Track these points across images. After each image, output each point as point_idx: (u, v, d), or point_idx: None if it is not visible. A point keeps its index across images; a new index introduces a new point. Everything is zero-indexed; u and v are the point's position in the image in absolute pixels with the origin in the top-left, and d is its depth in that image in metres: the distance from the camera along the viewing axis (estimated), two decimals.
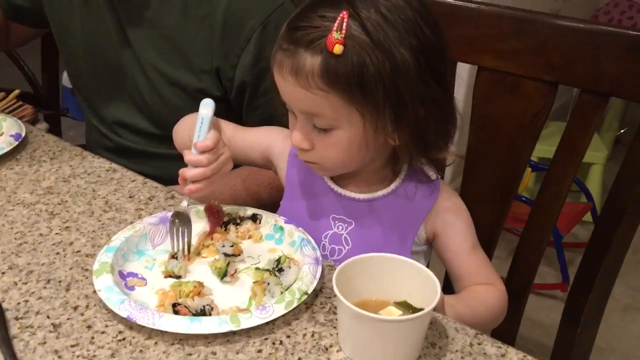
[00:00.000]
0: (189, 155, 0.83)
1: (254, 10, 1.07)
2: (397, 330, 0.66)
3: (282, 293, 0.75)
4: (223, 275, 0.80)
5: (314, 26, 0.76)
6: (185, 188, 0.83)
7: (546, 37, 1.02)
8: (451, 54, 0.91)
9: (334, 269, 0.81)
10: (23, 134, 1.12)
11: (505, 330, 1.04)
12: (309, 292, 0.75)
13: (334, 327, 0.73)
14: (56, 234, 0.88)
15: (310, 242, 0.83)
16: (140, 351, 0.69)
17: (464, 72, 1.13)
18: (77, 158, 1.09)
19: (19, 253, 0.84)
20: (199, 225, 0.89)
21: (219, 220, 0.88)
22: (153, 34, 1.14)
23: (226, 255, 0.82)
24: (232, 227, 0.88)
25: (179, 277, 0.80)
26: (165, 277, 0.80)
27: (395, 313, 0.71)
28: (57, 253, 0.84)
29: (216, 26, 1.09)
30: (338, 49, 0.74)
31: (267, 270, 0.79)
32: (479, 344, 0.71)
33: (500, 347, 0.71)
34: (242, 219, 0.89)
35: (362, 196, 0.90)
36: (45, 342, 0.70)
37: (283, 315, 0.73)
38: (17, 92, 1.47)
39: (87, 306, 0.75)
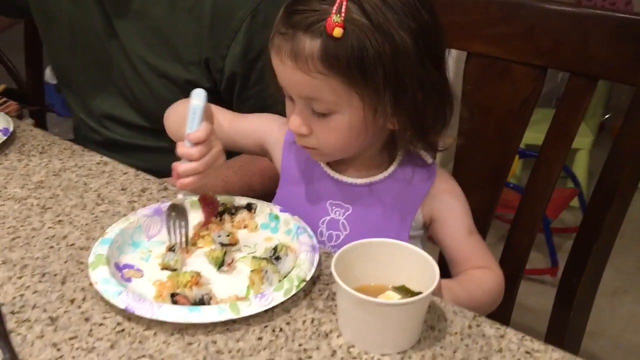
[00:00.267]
0: (182, 148, 0.82)
1: (242, 0, 1.07)
2: (397, 313, 0.66)
3: (280, 281, 0.75)
4: (220, 264, 0.79)
5: (313, 9, 0.75)
6: (177, 182, 0.83)
7: (534, 22, 1.02)
8: None
9: (330, 256, 0.81)
10: (11, 129, 1.11)
11: (498, 315, 1.03)
12: (307, 279, 0.75)
13: (333, 313, 0.73)
14: (49, 227, 0.88)
15: (306, 230, 0.83)
16: (140, 342, 0.68)
17: (453, 58, 1.13)
18: (66, 152, 1.08)
19: (12, 248, 0.83)
20: (194, 216, 0.88)
21: (214, 211, 0.87)
22: (140, 26, 1.13)
23: (222, 244, 0.82)
24: (227, 217, 0.88)
25: (175, 269, 0.80)
26: (162, 269, 0.80)
27: (393, 298, 0.71)
28: (51, 247, 0.84)
29: (204, 17, 1.08)
30: (338, 32, 0.73)
31: (264, 258, 0.79)
32: (478, 326, 0.72)
33: (499, 328, 0.71)
34: (237, 208, 0.89)
35: (359, 181, 0.90)
36: (43, 336, 0.69)
37: (282, 303, 0.73)
38: (1, 87, 1.45)
39: (83, 299, 0.75)
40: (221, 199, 0.90)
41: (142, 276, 0.79)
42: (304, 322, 0.72)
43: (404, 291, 0.72)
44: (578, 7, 1.00)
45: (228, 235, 0.83)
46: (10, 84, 1.75)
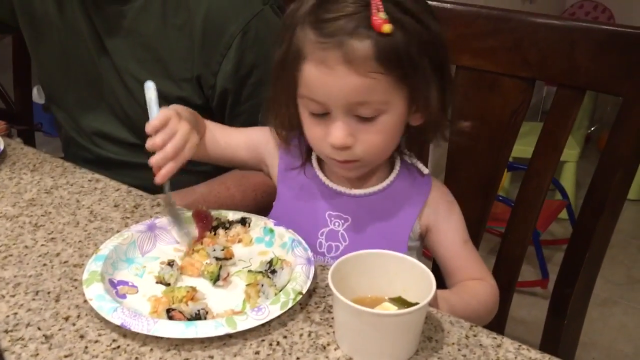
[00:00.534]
0: (147, 143, 0.82)
1: (234, 17, 1.07)
2: (394, 324, 0.66)
3: (276, 294, 0.75)
4: (215, 279, 0.79)
5: (347, 14, 0.76)
6: (156, 176, 0.82)
7: (522, 35, 1.04)
8: None
9: (326, 269, 0.81)
10: (1, 147, 1.10)
11: (492, 327, 1.04)
12: (304, 292, 0.75)
13: (330, 326, 0.73)
14: (42, 245, 0.87)
15: (301, 243, 0.83)
16: (136, 358, 0.68)
17: None
18: (58, 169, 1.08)
19: (4, 266, 0.83)
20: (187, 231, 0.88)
21: (208, 225, 0.87)
22: (131, 43, 1.13)
23: (217, 259, 0.82)
24: (221, 232, 0.87)
25: (168, 284, 0.80)
26: (157, 282, 0.80)
27: (390, 309, 0.71)
28: (44, 264, 0.83)
29: (196, 34, 1.08)
30: (388, 28, 0.74)
31: (260, 272, 0.79)
32: (475, 336, 0.72)
33: (495, 338, 0.72)
34: (231, 222, 0.89)
35: (357, 192, 0.90)
36: (37, 354, 0.68)
37: (278, 317, 0.72)
38: None
39: (78, 316, 0.74)
40: (215, 213, 0.89)
41: (136, 292, 0.78)
42: (301, 335, 0.71)
43: (401, 302, 0.72)
44: (565, 20, 1.02)
45: (223, 250, 0.83)
46: None
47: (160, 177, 0.82)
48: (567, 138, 1.04)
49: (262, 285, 0.76)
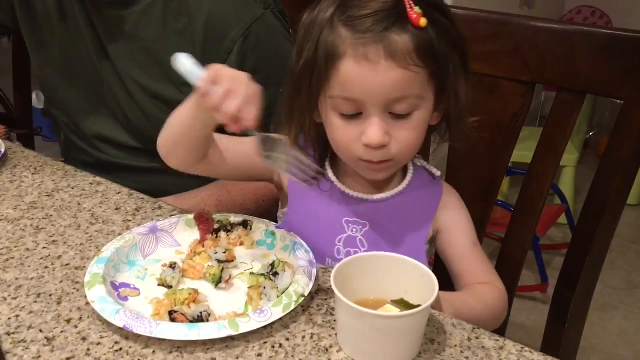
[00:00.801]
0: (207, 99, 0.72)
1: (235, 21, 1.08)
2: (397, 326, 0.66)
3: (278, 297, 0.75)
4: (218, 281, 0.79)
5: (383, 9, 0.77)
6: (234, 127, 0.74)
7: (522, 39, 1.04)
8: None
9: (328, 271, 0.81)
10: (2, 151, 1.10)
11: (493, 332, 1.04)
12: (306, 294, 0.75)
13: (333, 328, 0.73)
14: (43, 248, 0.87)
15: (302, 246, 0.84)
16: None
17: None
18: (59, 172, 1.08)
19: (6, 269, 0.83)
20: (190, 233, 0.88)
21: (210, 228, 0.87)
22: (132, 48, 1.13)
23: (219, 261, 0.82)
24: (223, 234, 0.87)
25: (170, 286, 0.80)
26: (159, 285, 0.80)
27: (392, 311, 0.71)
28: (46, 267, 0.83)
29: (197, 38, 1.09)
30: (424, 21, 0.76)
31: (262, 274, 0.79)
32: (477, 338, 0.72)
33: (497, 340, 0.72)
34: (233, 225, 0.89)
35: (374, 197, 0.90)
36: (39, 357, 0.68)
37: (281, 319, 0.72)
38: None
39: (80, 318, 0.74)
40: (217, 216, 0.90)
41: (138, 295, 0.78)
42: (303, 337, 0.71)
43: (403, 304, 0.72)
44: (565, 24, 1.03)
45: (225, 252, 0.83)
46: None
47: (240, 126, 0.74)
48: (567, 142, 1.04)
49: (265, 288, 0.76)
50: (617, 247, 2.63)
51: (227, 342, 0.70)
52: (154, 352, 0.69)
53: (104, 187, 1.03)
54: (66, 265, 0.84)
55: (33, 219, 0.94)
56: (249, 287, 0.78)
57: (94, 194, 1.01)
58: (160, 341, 0.70)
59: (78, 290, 0.78)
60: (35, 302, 0.77)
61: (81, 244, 0.88)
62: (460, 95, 0.83)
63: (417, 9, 0.76)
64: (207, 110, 0.74)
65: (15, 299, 0.77)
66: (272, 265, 0.80)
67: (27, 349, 0.69)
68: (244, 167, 0.92)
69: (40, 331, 0.72)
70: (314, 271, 0.79)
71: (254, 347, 0.70)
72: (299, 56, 0.83)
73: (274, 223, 0.90)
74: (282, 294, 0.75)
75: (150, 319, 0.71)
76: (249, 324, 0.70)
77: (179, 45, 1.10)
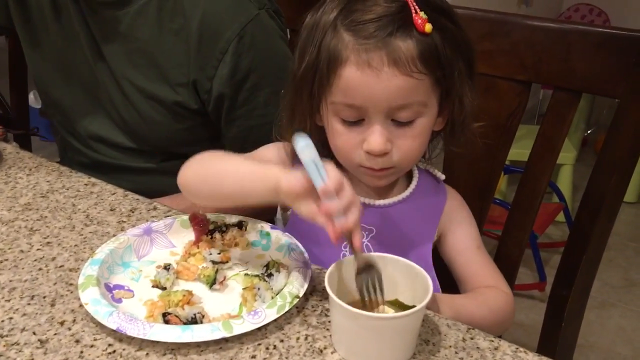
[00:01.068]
0: (329, 205, 0.67)
1: (229, 21, 1.07)
2: (391, 327, 0.66)
3: (272, 298, 0.75)
4: (212, 283, 0.79)
5: (387, 14, 0.75)
6: (355, 242, 0.70)
7: (518, 38, 1.04)
8: None
9: (323, 272, 0.81)
10: None
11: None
12: (300, 295, 0.74)
13: (327, 330, 0.72)
14: (37, 249, 0.87)
15: (298, 247, 0.83)
16: None
17: None
18: (54, 173, 1.07)
19: None
20: (184, 234, 0.88)
21: (204, 229, 0.87)
22: (127, 48, 1.13)
23: (214, 262, 0.81)
24: (217, 235, 0.87)
25: (164, 288, 0.79)
26: (153, 286, 0.79)
27: (387, 312, 0.71)
28: (40, 269, 0.83)
29: (191, 39, 1.08)
30: (429, 27, 0.74)
31: (257, 275, 0.79)
32: (472, 339, 0.72)
33: (492, 341, 0.71)
34: (228, 226, 0.88)
35: (380, 202, 0.89)
36: (33, 359, 0.68)
37: (275, 320, 0.72)
38: None
39: (74, 320, 0.74)
40: (212, 217, 0.89)
41: (132, 296, 0.78)
42: (297, 339, 0.71)
43: (398, 305, 0.72)
44: (560, 23, 1.02)
45: (219, 253, 0.82)
46: None
47: (360, 244, 0.71)
48: (564, 141, 1.04)
49: (259, 289, 0.76)
50: (615, 245, 2.63)
51: (221, 343, 0.70)
52: (147, 354, 0.69)
53: (98, 188, 1.03)
54: (60, 267, 0.83)
55: (27, 220, 0.94)
56: (243, 289, 0.77)
57: (89, 195, 1.01)
58: (153, 343, 0.69)
59: (72, 292, 0.78)
60: (29, 304, 0.76)
61: (75, 246, 0.88)
62: (465, 102, 0.81)
63: (422, 14, 0.75)
64: (310, 213, 0.69)
65: (8, 301, 0.77)
66: (267, 266, 0.80)
67: (20, 351, 0.69)
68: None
69: (34, 333, 0.71)
70: (309, 272, 0.79)
71: (248, 348, 0.69)
72: (300, 59, 0.81)
73: (269, 224, 0.90)
74: (277, 295, 0.75)
75: (143, 321, 0.70)
76: (242, 326, 0.70)
77: (174, 45, 1.10)
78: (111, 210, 0.97)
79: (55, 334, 0.71)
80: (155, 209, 0.97)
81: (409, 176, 0.92)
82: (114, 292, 0.78)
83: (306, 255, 0.82)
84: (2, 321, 0.73)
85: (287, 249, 0.84)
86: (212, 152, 0.84)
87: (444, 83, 0.79)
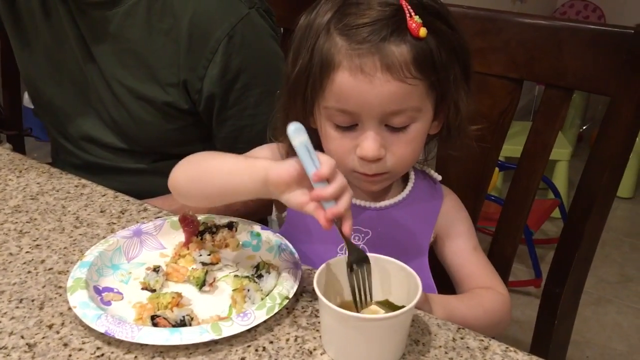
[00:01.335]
0: (322, 191, 0.67)
1: (219, 21, 1.07)
2: (380, 328, 0.66)
3: (262, 299, 0.74)
4: (201, 284, 0.78)
5: (381, 18, 0.73)
6: (345, 228, 0.69)
7: (509, 35, 1.04)
8: None
9: (313, 273, 0.81)
10: None
11: None
12: (290, 296, 0.74)
13: (317, 330, 0.72)
14: (26, 252, 0.86)
15: (288, 247, 0.83)
16: None
17: None
18: (44, 175, 1.07)
19: None
20: (174, 236, 0.88)
21: (194, 230, 0.86)
22: (117, 49, 1.12)
23: (204, 264, 0.81)
24: (207, 236, 0.87)
25: (153, 290, 0.79)
26: (142, 288, 0.79)
27: (377, 312, 0.71)
28: (29, 272, 0.82)
29: (181, 39, 1.08)
30: (424, 31, 0.73)
31: (247, 277, 0.78)
32: (462, 339, 0.71)
33: (482, 341, 0.71)
34: (218, 227, 0.88)
35: (377, 205, 0.88)
36: None
37: (265, 321, 0.72)
38: None
39: (62, 324, 0.73)
40: (202, 218, 0.89)
41: (122, 299, 0.78)
42: (287, 340, 0.71)
43: (388, 306, 0.72)
44: (551, 20, 1.02)
45: (209, 255, 0.82)
46: None
47: (350, 230, 0.70)
48: (556, 138, 1.04)
49: (248, 290, 0.76)
50: (611, 240, 2.63)
51: (210, 346, 0.69)
52: (135, 357, 0.68)
53: (89, 189, 1.02)
54: (49, 269, 0.83)
55: (17, 222, 0.93)
56: (233, 290, 0.77)
57: (79, 196, 1.00)
58: (142, 346, 0.69)
59: (61, 295, 0.78)
60: (17, 307, 0.76)
61: (65, 248, 0.87)
62: (461, 107, 0.80)
63: (416, 18, 0.73)
64: (299, 204, 0.68)
65: None
66: (257, 267, 0.80)
67: (7, 355, 0.68)
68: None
69: (22, 337, 0.71)
70: (299, 273, 0.78)
71: (237, 350, 0.69)
72: (294, 62, 0.80)
73: (259, 224, 0.89)
74: (267, 296, 0.74)
75: (132, 324, 0.70)
76: (231, 328, 0.69)
77: (164, 45, 1.09)
78: (101, 211, 0.96)
79: (43, 337, 0.71)
80: (145, 210, 0.97)
81: (405, 178, 0.91)
82: (103, 294, 0.78)
83: (296, 255, 0.81)
84: None
85: (278, 249, 0.83)
86: (203, 152, 0.84)
87: (439, 87, 0.78)
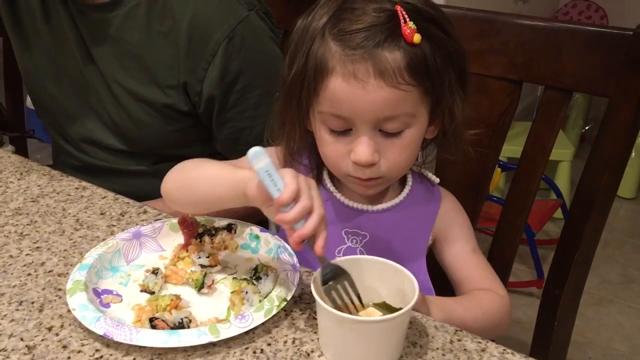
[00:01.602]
0: (284, 215, 0.67)
1: (219, 23, 1.07)
2: (377, 330, 0.66)
3: (260, 301, 0.75)
4: (200, 286, 0.79)
5: (376, 24, 0.73)
6: (316, 248, 0.68)
7: (508, 37, 1.04)
8: None
9: (312, 274, 0.81)
10: None
11: None
12: (288, 298, 0.74)
13: (315, 333, 0.72)
14: (27, 254, 0.87)
15: (287, 249, 0.83)
16: None
17: None
18: (45, 177, 1.07)
19: None
20: (174, 238, 0.88)
21: (193, 232, 0.87)
22: (117, 51, 1.13)
23: (202, 266, 0.81)
24: (206, 239, 0.87)
25: (152, 292, 0.79)
26: (141, 290, 0.79)
27: (375, 314, 0.71)
28: (29, 274, 0.83)
29: (181, 41, 1.08)
30: (418, 37, 0.73)
31: (245, 279, 0.79)
32: (459, 341, 0.71)
33: (480, 343, 0.71)
34: (217, 229, 0.88)
35: (374, 208, 0.88)
36: None
37: (263, 324, 0.72)
38: None
39: (61, 326, 0.74)
40: (201, 220, 0.89)
41: (121, 301, 0.78)
42: (285, 342, 0.71)
43: (385, 307, 0.72)
44: (550, 22, 1.02)
45: (208, 257, 0.82)
46: None
47: (321, 249, 0.69)
48: (556, 139, 1.04)
49: (247, 293, 0.76)
50: (613, 241, 2.62)
51: (208, 348, 0.70)
52: (134, 359, 0.69)
53: (89, 192, 1.03)
54: (49, 272, 0.83)
55: (17, 225, 0.94)
56: (231, 292, 0.77)
57: (79, 199, 1.01)
58: (141, 348, 0.69)
59: (60, 298, 0.78)
60: (17, 309, 0.76)
61: (65, 250, 0.88)
62: (456, 112, 0.80)
63: (411, 24, 0.73)
64: (276, 220, 0.68)
65: None
66: (256, 269, 0.80)
67: (7, 357, 0.69)
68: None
69: (21, 339, 0.71)
70: (297, 275, 0.78)
71: (235, 352, 0.69)
72: (290, 65, 0.81)
73: (259, 226, 0.89)
74: (265, 298, 0.75)
75: (130, 326, 0.70)
76: (229, 330, 0.70)
77: (164, 48, 1.09)
78: (101, 214, 0.97)
79: (42, 339, 0.71)
80: (145, 212, 0.97)
81: (402, 181, 0.91)
82: (102, 297, 0.78)
83: (295, 258, 0.82)
84: None
85: (276, 251, 0.83)
86: (194, 160, 0.85)
87: (434, 93, 0.78)
